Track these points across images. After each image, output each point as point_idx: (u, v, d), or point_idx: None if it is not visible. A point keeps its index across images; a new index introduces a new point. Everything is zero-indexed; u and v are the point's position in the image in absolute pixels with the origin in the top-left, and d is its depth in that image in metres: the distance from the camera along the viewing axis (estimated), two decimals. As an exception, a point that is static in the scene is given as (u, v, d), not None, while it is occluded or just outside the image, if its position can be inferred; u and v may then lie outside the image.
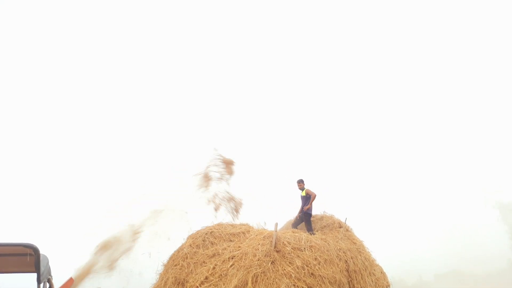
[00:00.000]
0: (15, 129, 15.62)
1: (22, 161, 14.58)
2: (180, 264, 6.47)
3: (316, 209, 9.11)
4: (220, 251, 6.53)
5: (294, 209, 9.20)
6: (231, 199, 9.11)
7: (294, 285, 5.94)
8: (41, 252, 4.22)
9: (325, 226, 8.67)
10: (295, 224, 9.07)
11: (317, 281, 6.15)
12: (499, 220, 15.68)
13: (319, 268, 6.34)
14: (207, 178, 9.20)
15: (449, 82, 21.82)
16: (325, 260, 6.57)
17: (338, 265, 6.77)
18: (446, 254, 14.42)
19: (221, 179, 9.28)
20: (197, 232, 7.30)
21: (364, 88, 22.80)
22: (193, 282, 6.02)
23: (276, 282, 5.88)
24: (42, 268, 4.25)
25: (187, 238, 7.19)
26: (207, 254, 6.52)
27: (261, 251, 6.26)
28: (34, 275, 4.23)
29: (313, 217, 8.97)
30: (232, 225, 7.68)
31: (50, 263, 4.72)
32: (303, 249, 6.59)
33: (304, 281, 6.05)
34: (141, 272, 7.71)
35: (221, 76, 21.43)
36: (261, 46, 23.57)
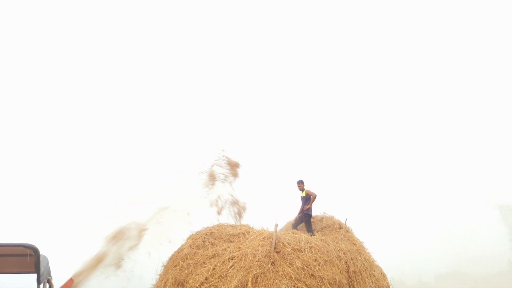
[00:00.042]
0: (16, 129, 15.64)
1: (22, 161, 14.60)
2: (180, 265, 6.47)
3: (316, 210, 9.09)
4: (220, 252, 6.54)
5: (294, 210, 9.19)
6: (234, 202, 8.92)
7: (294, 286, 5.93)
8: (41, 252, 4.23)
9: (325, 227, 8.65)
10: (295, 225, 9.05)
11: (317, 282, 6.15)
12: (499, 220, 15.69)
13: (319, 269, 6.33)
14: (212, 177, 8.99)
15: (449, 82, 21.84)
16: (325, 261, 6.57)
17: (338, 266, 6.76)
18: (446, 255, 14.42)
19: (225, 180, 9.08)
20: (197, 233, 7.30)
21: (364, 89, 22.82)
22: (193, 282, 6.02)
23: (276, 283, 5.88)
24: (42, 269, 4.26)
25: (187, 239, 7.19)
26: (207, 255, 6.52)
27: (261, 252, 6.26)
28: (34, 275, 4.24)
29: (313, 218, 8.95)
30: (232, 226, 7.68)
31: (50, 264, 4.73)
32: (303, 250, 6.59)
33: (304, 282, 6.04)
34: (141, 273, 7.69)
35: (221, 76, 21.47)
36: (261, 47, 23.61)
